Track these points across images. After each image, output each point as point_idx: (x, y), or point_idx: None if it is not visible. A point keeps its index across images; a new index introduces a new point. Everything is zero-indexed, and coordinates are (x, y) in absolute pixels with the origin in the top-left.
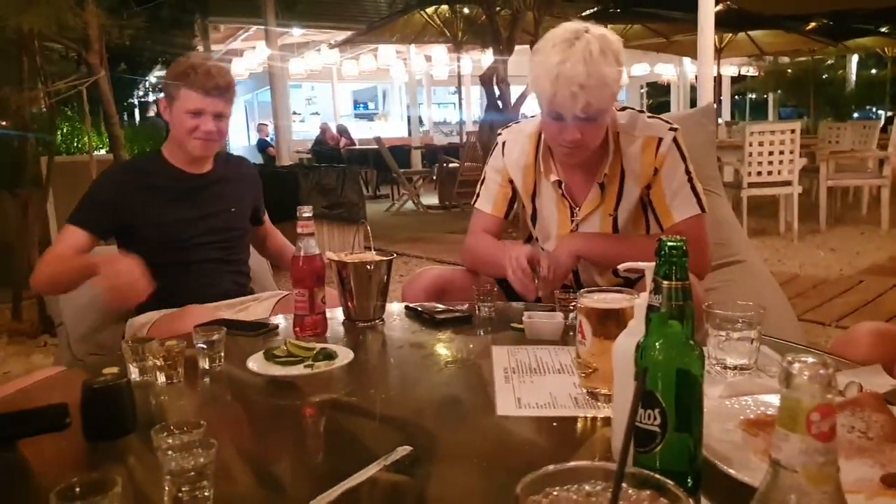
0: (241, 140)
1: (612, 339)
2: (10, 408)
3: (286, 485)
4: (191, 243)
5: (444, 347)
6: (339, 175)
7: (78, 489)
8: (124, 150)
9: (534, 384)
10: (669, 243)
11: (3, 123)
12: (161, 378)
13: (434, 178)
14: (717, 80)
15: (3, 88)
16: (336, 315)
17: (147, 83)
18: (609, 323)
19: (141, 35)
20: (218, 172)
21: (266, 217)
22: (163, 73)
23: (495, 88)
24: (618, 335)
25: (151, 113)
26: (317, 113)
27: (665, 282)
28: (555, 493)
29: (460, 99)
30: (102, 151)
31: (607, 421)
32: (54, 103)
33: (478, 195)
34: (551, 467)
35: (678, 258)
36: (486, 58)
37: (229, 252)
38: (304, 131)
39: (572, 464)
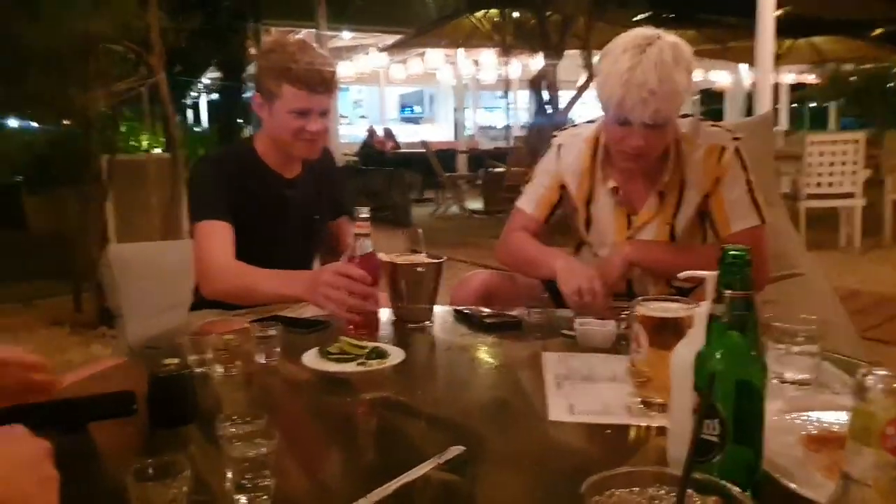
0: None
1: (669, 348)
2: (80, 393)
3: (340, 478)
4: (267, 247)
5: (492, 351)
6: (385, 178)
7: (151, 470)
8: (180, 150)
9: (586, 391)
10: (733, 252)
11: (67, 123)
12: (219, 370)
13: (479, 182)
14: (776, 87)
15: (70, 89)
16: (385, 316)
17: (200, 85)
18: (666, 332)
19: (196, 37)
20: (307, 173)
21: (347, 209)
22: (216, 74)
23: (544, 93)
24: (674, 345)
25: (204, 114)
26: (364, 116)
27: (727, 291)
28: (618, 493)
29: (508, 103)
30: (157, 150)
31: (661, 430)
32: (116, 104)
33: (522, 194)
34: (616, 469)
35: (741, 267)
36: (535, 62)
37: (303, 255)
38: (351, 134)
39: (637, 468)
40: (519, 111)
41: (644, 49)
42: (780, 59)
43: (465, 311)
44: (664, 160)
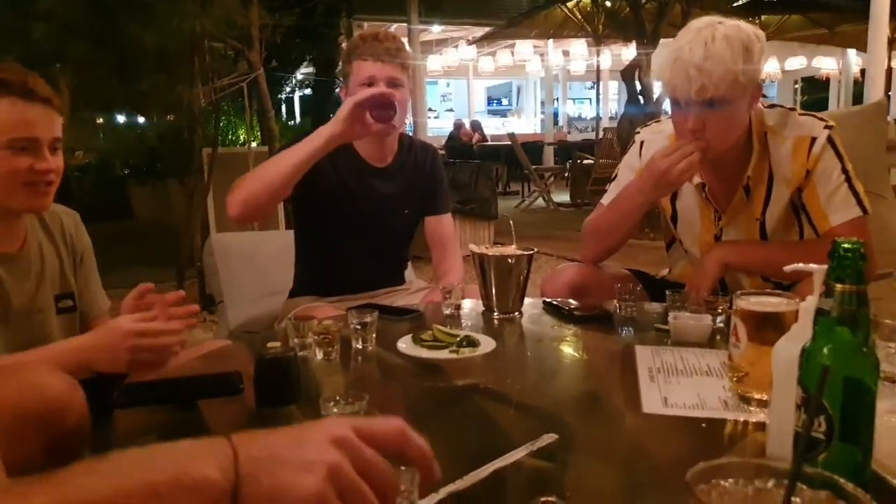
0: None
1: (769, 343)
2: (189, 372)
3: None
4: (356, 237)
5: (583, 343)
6: (472, 171)
7: None
8: (277, 143)
9: (680, 385)
10: (845, 245)
11: (171, 118)
12: (318, 354)
13: (566, 174)
14: (888, 73)
15: (177, 86)
16: (475, 306)
17: (294, 80)
18: (766, 327)
19: (292, 34)
20: (398, 164)
21: (440, 208)
22: (309, 70)
23: (637, 83)
24: (775, 340)
25: (296, 109)
26: (451, 109)
27: (838, 285)
28: (723, 484)
29: (598, 94)
30: (254, 144)
31: (759, 426)
32: (218, 99)
33: (607, 191)
34: (721, 459)
35: (853, 261)
36: (628, 52)
37: (394, 247)
38: (437, 127)
39: (742, 459)
40: (609, 102)
41: (699, 31)
42: (893, 44)
43: (555, 303)
44: (747, 153)
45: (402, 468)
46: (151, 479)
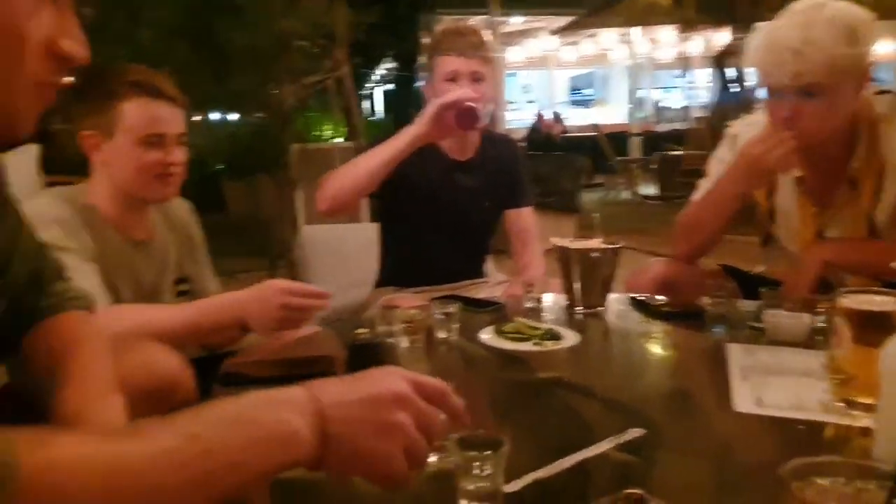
0: None
1: (875, 345)
2: (286, 354)
3: (518, 450)
4: (437, 230)
5: (671, 340)
6: (553, 163)
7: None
8: (362, 139)
9: (776, 385)
10: None
11: (260, 115)
12: (404, 342)
13: (653, 166)
14: None
15: (267, 84)
16: (558, 301)
17: (377, 76)
18: (873, 327)
19: (375, 30)
20: (480, 157)
21: (521, 201)
22: (391, 65)
23: (730, 70)
24: (882, 341)
25: (379, 104)
26: (532, 101)
27: None
28: (821, 482)
29: (687, 82)
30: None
31: (863, 431)
32: (306, 97)
33: (698, 188)
34: (819, 457)
35: None
36: (720, 37)
37: (475, 240)
38: (517, 119)
39: (846, 459)
40: (699, 90)
41: (800, 12)
42: None
43: (642, 299)
44: (852, 144)
45: (489, 452)
46: (253, 426)
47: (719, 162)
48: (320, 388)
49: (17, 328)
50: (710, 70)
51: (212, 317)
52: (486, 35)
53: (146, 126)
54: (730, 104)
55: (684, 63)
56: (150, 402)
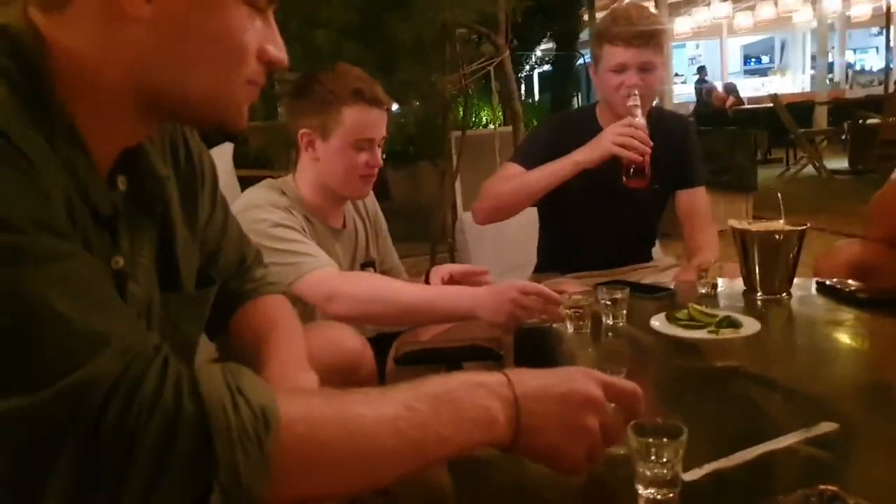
0: None
1: None
2: (455, 338)
3: (698, 439)
4: (602, 214)
5: (867, 329)
6: (726, 138)
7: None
8: (521, 123)
9: None
10: None
11: (422, 104)
12: (570, 328)
13: (844, 137)
14: None
15: (431, 74)
16: (734, 286)
17: (534, 58)
18: None
19: (532, 11)
20: (649, 138)
21: (694, 181)
22: (548, 46)
23: None
24: None
25: (535, 87)
26: (701, 71)
27: None
28: None
29: (888, 40)
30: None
31: None
32: (467, 84)
33: None
34: None
35: None
36: None
37: (642, 223)
38: (686, 94)
39: None
40: None
41: None
42: None
43: (832, 284)
44: None
45: (665, 440)
46: (460, 406)
47: None
48: (519, 379)
49: (225, 309)
50: None
51: (447, 302)
52: (652, 8)
53: (361, 131)
54: None
55: (886, 19)
56: (337, 377)
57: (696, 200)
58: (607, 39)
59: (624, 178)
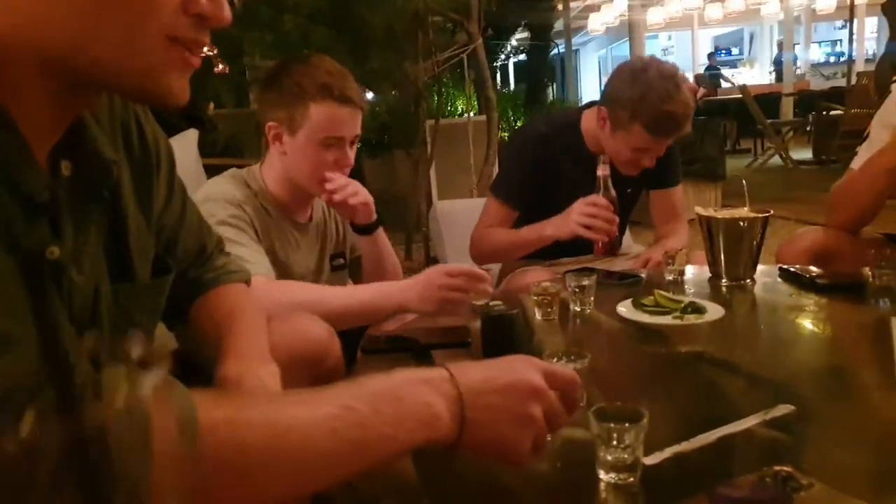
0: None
1: None
2: (423, 325)
3: (659, 423)
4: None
5: (826, 314)
6: (697, 128)
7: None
8: (495, 112)
9: None
10: None
11: (396, 93)
12: (537, 315)
13: (809, 128)
14: None
15: (403, 62)
16: (701, 273)
17: (509, 47)
18: None
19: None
20: None
21: (670, 182)
22: (524, 35)
23: None
24: None
25: (510, 76)
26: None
27: None
28: None
29: (851, 33)
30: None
31: None
32: (440, 72)
33: (857, 154)
34: None
35: None
36: None
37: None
38: None
39: None
40: (865, 42)
41: None
42: None
43: (794, 271)
44: None
45: (626, 424)
46: (401, 404)
47: (881, 125)
48: (461, 372)
49: (185, 299)
50: (878, 18)
51: (377, 300)
52: None
53: (329, 129)
54: None
55: (849, 13)
56: (302, 367)
57: (671, 199)
58: (646, 125)
59: (599, 249)
